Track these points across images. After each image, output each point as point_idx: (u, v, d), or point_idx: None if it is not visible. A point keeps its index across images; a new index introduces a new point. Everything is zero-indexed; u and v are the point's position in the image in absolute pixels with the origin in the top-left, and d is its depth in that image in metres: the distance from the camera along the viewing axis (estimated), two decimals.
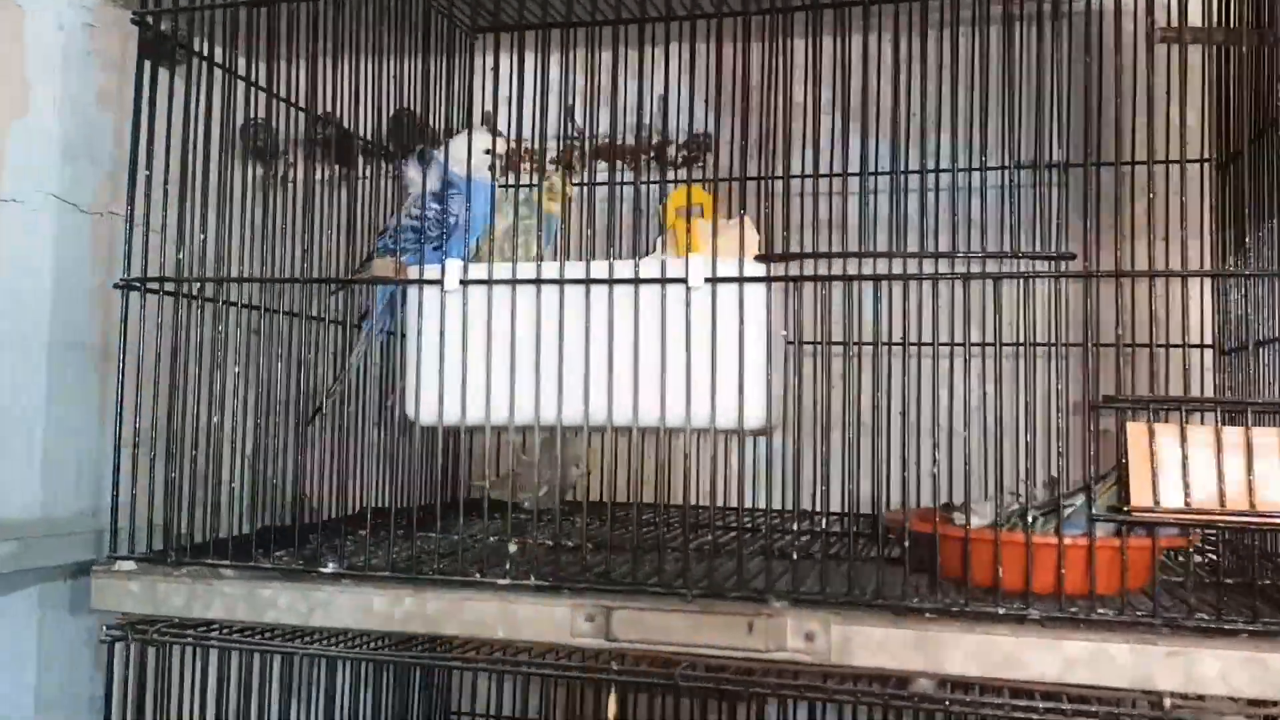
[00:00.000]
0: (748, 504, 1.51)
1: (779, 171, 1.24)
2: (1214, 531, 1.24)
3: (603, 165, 1.94)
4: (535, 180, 1.73)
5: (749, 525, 1.56)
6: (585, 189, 1.91)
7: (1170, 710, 1.05)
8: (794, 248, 1.45)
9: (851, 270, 1.19)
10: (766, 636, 1.12)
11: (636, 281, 1.22)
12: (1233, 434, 1.08)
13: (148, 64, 1.37)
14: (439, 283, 1.28)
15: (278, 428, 1.35)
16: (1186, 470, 1.07)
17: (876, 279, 1.18)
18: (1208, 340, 1.61)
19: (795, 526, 1.20)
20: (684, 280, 1.21)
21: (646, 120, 1.82)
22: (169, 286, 1.36)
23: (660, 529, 1.37)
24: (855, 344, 1.18)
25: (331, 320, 1.49)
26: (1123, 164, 1.21)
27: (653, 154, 1.92)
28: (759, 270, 1.22)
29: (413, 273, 1.32)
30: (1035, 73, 1.18)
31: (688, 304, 1.21)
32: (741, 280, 1.20)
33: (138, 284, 1.35)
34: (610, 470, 1.27)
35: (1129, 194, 1.37)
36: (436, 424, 1.29)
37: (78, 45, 1.59)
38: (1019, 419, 1.14)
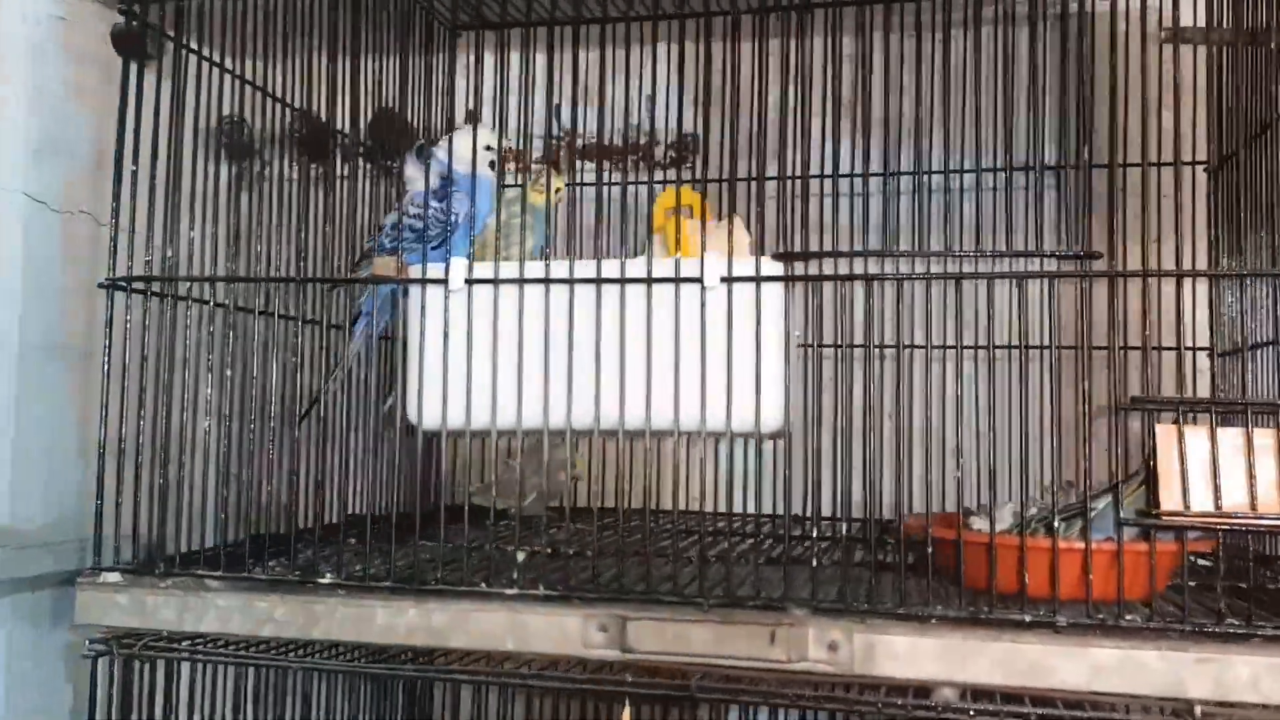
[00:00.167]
0: (757, 509, 1.47)
1: (792, 171, 1.21)
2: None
3: (589, 165, 1.91)
4: (520, 180, 1.70)
5: (764, 532, 1.54)
6: (572, 190, 1.87)
7: (1201, 718, 1.03)
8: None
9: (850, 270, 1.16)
10: (789, 647, 1.08)
11: (649, 281, 1.19)
12: (1264, 436, 1.06)
13: (133, 62, 1.32)
14: (443, 282, 1.23)
15: (273, 432, 1.30)
16: (1217, 473, 1.06)
17: (898, 279, 1.15)
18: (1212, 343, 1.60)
19: (815, 533, 1.17)
20: (699, 280, 1.18)
21: (634, 120, 1.79)
22: (156, 287, 1.30)
23: (675, 537, 1.33)
24: (877, 346, 1.16)
25: (331, 325, 1.43)
26: (1136, 164, 1.20)
27: (640, 155, 1.89)
28: (777, 269, 1.19)
29: (414, 272, 1.28)
30: (1032, 75, 1.16)
31: (703, 304, 1.17)
32: (759, 280, 1.17)
33: (123, 284, 1.30)
34: (622, 476, 1.24)
35: (1152, 195, 1.36)
36: (440, 429, 1.24)
37: (48, 38, 1.53)
38: (1045, 422, 1.12)
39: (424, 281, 1.26)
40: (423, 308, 1.24)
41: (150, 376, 1.28)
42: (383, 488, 1.41)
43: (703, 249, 1.25)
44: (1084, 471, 1.11)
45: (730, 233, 1.22)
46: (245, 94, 1.39)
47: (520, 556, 1.26)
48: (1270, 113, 1.40)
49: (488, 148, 1.39)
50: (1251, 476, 1.06)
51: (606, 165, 1.84)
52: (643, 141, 1.87)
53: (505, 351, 1.22)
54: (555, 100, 1.27)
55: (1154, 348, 1.14)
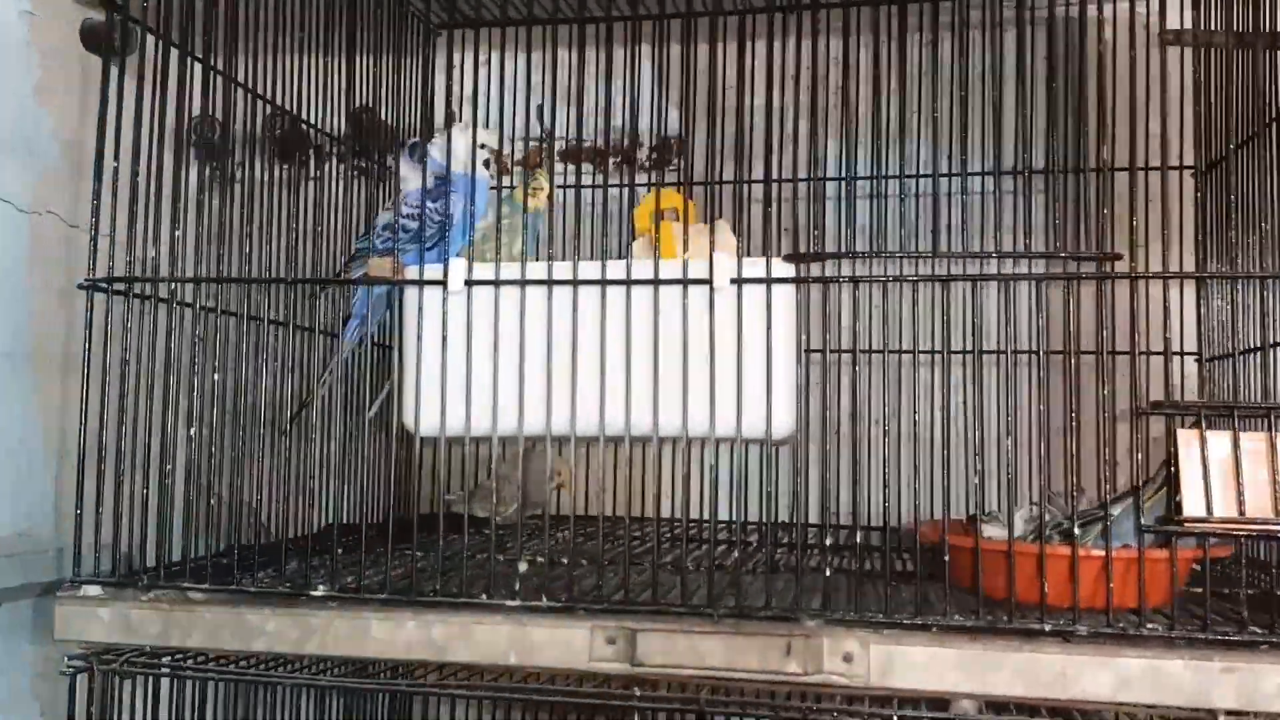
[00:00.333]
0: (758, 517, 1.44)
1: (802, 174, 1.19)
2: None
3: (569, 167, 1.87)
4: (513, 181, 1.66)
5: (776, 540, 1.51)
6: (560, 192, 1.83)
7: None
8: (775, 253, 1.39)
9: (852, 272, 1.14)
10: (804, 659, 1.05)
11: (656, 283, 1.16)
12: None
13: (112, 59, 1.27)
14: (442, 283, 1.19)
15: (261, 439, 1.25)
16: (1240, 478, 1.04)
17: (913, 279, 1.13)
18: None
19: (827, 541, 1.14)
20: (708, 281, 1.14)
21: (616, 122, 1.76)
22: (139, 289, 1.25)
23: (684, 544, 1.29)
24: (880, 351, 1.13)
25: (322, 332, 1.38)
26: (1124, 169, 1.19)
27: (621, 157, 1.86)
28: (788, 271, 1.16)
29: (410, 273, 1.23)
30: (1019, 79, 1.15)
31: (711, 306, 1.14)
32: (770, 281, 1.14)
33: (104, 285, 1.24)
34: (625, 483, 1.20)
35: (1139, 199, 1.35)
36: (436, 434, 1.20)
37: (14, 34, 1.47)
38: (1067, 426, 1.10)
39: (421, 283, 1.21)
40: (420, 309, 1.19)
41: (132, 380, 1.23)
42: (375, 495, 1.36)
43: (685, 251, 1.22)
44: (1104, 478, 1.09)
45: (712, 235, 1.20)
46: (224, 91, 1.34)
47: (523, 567, 1.22)
48: (1261, 118, 1.39)
49: (483, 146, 1.34)
50: (1275, 481, 1.04)
51: (589, 168, 1.81)
52: (626, 144, 1.83)
53: (504, 355, 1.17)
54: (536, 101, 1.24)
55: (1142, 353, 1.12)
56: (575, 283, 1.17)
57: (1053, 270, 1.12)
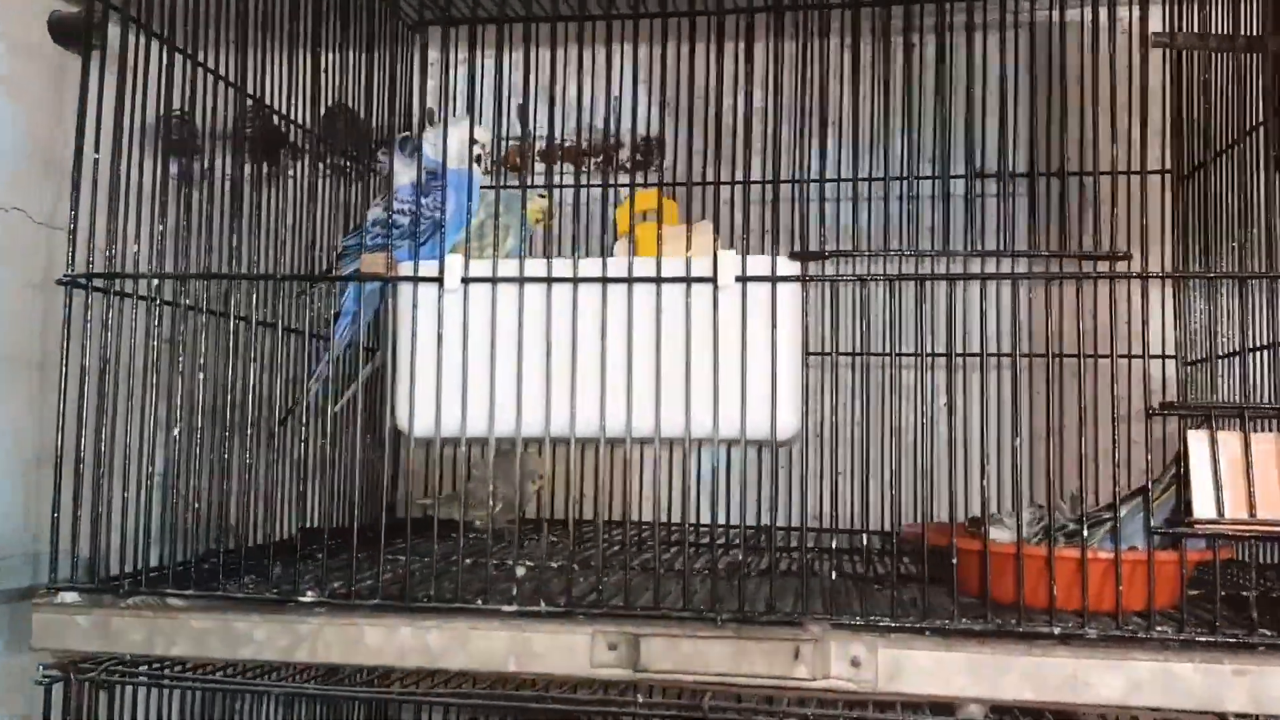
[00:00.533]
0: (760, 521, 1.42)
1: (807, 175, 1.17)
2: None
3: (548, 167, 1.85)
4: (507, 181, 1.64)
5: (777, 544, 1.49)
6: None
7: None
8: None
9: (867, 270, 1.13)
10: (812, 664, 1.03)
11: (659, 280, 1.13)
12: None
13: (90, 52, 1.23)
14: (438, 280, 1.16)
15: (249, 440, 1.21)
16: (1251, 479, 1.03)
17: (918, 278, 1.12)
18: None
19: (833, 545, 1.12)
20: (712, 279, 1.12)
21: (597, 122, 1.74)
22: (120, 285, 1.21)
23: (684, 549, 1.26)
24: (885, 354, 1.12)
25: (314, 335, 1.34)
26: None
27: (601, 157, 1.83)
28: (793, 269, 1.14)
29: (405, 269, 1.20)
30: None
31: (715, 304, 1.12)
32: (775, 280, 1.11)
33: (83, 281, 1.20)
34: (624, 486, 1.17)
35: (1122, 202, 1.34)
36: (433, 436, 1.17)
37: None
38: (1081, 428, 1.09)
39: (416, 280, 1.17)
40: (414, 306, 1.16)
41: (111, 380, 1.19)
42: (359, 498, 1.32)
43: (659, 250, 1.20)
44: (1116, 478, 1.07)
45: (689, 235, 1.18)
46: (201, 83, 1.30)
47: (520, 571, 1.19)
48: (1242, 125, 1.40)
49: (474, 141, 1.31)
50: None
51: (570, 168, 1.78)
52: (608, 143, 1.81)
53: (502, 353, 1.15)
54: (517, 100, 1.22)
55: (1121, 356, 1.12)
56: (575, 281, 1.14)
57: (1068, 270, 1.11)
